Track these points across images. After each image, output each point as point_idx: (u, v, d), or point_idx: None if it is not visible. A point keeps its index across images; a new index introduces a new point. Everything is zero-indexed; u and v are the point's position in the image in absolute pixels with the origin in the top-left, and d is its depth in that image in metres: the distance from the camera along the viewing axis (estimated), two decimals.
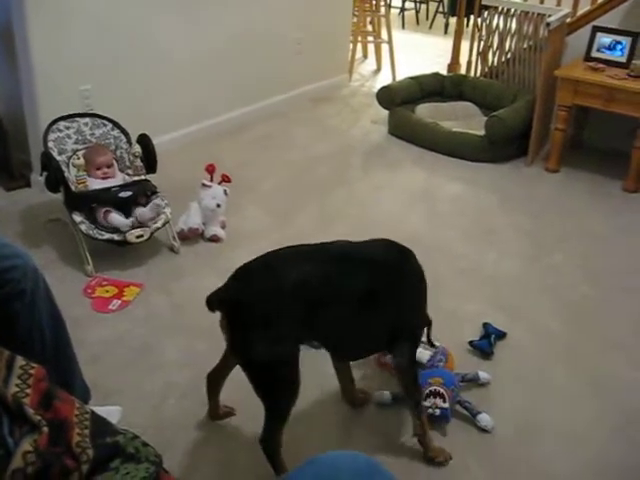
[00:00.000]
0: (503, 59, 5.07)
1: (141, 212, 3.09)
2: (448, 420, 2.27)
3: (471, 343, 2.66)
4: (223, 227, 3.40)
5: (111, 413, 2.12)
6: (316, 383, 2.43)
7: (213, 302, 1.92)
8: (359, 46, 6.58)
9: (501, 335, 2.73)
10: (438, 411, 2.25)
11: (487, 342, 2.65)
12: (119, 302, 2.85)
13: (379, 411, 2.34)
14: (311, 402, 2.35)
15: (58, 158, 3.19)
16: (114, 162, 3.37)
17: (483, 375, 2.48)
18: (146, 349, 2.59)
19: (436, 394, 2.27)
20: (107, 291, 2.92)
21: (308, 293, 1.86)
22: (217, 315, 2.78)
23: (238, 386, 2.39)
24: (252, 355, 1.85)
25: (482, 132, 4.43)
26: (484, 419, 2.29)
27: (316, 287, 1.88)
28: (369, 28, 6.88)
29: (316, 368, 2.49)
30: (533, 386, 2.51)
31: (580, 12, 4.67)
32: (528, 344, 2.74)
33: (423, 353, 2.54)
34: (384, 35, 6.44)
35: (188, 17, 4.21)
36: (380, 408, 2.35)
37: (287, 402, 1.90)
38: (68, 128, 3.35)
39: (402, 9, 8.95)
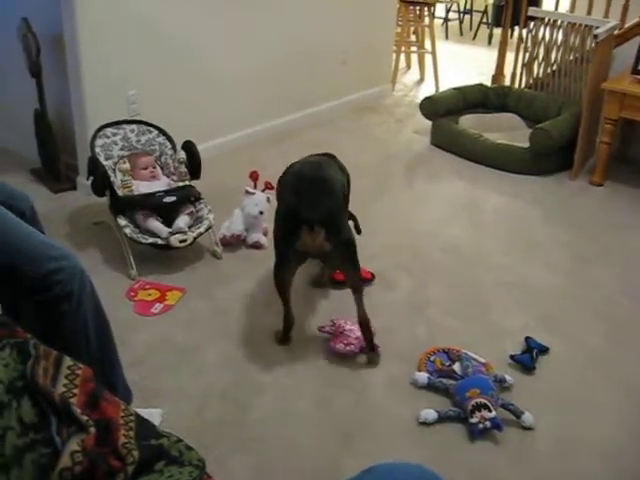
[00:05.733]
0: (549, 71, 5.03)
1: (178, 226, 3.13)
2: (501, 428, 2.23)
3: (513, 357, 2.62)
4: (265, 234, 3.42)
5: (152, 415, 2.14)
6: (354, 400, 2.43)
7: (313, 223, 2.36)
8: (402, 56, 6.57)
9: (543, 350, 2.69)
10: (488, 423, 2.22)
11: (529, 357, 2.61)
12: (161, 306, 2.88)
13: (424, 428, 2.30)
14: (353, 418, 2.35)
15: (105, 163, 3.25)
16: (156, 165, 3.44)
17: (509, 378, 2.49)
18: (188, 352, 2.61)
19: (480, 406, 2.24)
20: (150, 294, 2.95)
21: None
22: (257, 321, 2.81)
23: (276, 397, 2.41)
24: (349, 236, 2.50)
25: (526, 144, 4.38)
26: (529, 419, 2.29)
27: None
28: (412, 38, 6.87)
29: (354, 385, 2.50)
30: (574, 401, 2.47)
31: (628, 24, 4.60)
32: (569, 359, 2.70)
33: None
34: (427, 45, 6.43)
35: (237, 26, 4.25)
36: (426, 426, 2.31)
37: None
38: (115, 135, 3.41)
39: (446, 19, 8.93)
